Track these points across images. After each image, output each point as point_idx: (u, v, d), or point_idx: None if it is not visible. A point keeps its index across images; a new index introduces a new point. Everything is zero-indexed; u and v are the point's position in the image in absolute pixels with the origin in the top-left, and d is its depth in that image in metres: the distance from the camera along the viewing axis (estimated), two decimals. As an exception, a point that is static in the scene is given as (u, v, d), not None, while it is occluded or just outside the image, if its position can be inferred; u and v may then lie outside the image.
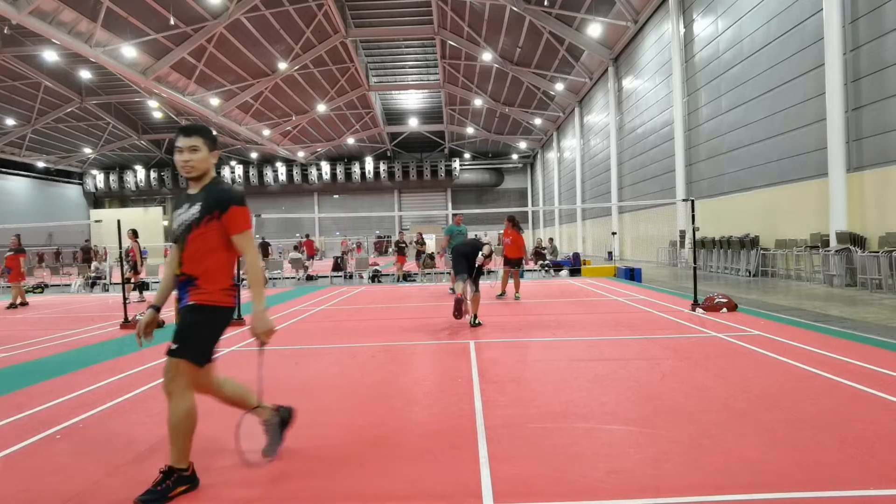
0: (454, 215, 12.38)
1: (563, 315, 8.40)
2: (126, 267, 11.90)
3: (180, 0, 23.10)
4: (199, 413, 2.70)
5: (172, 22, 23.74)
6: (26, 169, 44.45)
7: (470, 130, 47.31)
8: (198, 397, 2.73)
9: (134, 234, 12.80)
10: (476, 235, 12.23)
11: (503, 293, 11.38)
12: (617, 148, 27.69)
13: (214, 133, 3.01)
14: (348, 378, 4.91)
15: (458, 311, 7.42)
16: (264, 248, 25.89)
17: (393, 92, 41.49)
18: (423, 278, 17.04)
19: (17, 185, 44.26)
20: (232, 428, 3.00)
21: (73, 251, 39.80)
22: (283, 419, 3.13)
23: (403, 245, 19.03)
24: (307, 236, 28.43)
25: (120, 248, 9.61)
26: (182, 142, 2.76)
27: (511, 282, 11.34)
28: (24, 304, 12.90)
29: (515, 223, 11.21)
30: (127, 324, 8.45)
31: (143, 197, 53.99)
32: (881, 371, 4.46)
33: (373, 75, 37.90)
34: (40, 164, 45.51)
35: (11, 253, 12.94)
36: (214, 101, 33.13)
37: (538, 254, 21.39)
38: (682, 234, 19.20)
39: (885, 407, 3.60)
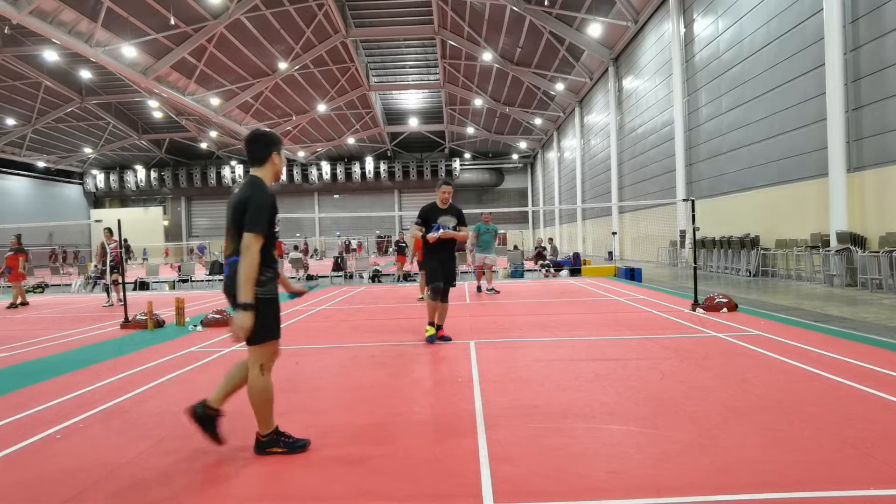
0: (481, 214, 12.39)
1: (564, 315, 8.40)
2: (108, 267, 11.80)
3: (180, 0, 23.10)
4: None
5: (172, 22, 23.74)
6: (26, 169, 44.44)
7: (470, 130, 47.31)
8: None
9: (110, 232, 11.69)
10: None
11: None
12: (617, 148, 27.69)
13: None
14: (348, 378, 4.91)
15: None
16: None
17: (393, 92, 41.49)
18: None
19: (18, 185, 44.26)
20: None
21: (74, 251, 39.82)
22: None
23: (403, 245, 19.04)
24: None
25: (121, 246, 9.62)
26: None
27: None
28: (24, 303, 12.91)
29: None
30: (127, 324, 8.44)
31: (143, 197, 54.00)
32: (881, 371, 4.45)
33: (373, 75, 37.90)
34: (40, 164, 45.50)
35: (12, 253, 12.94)
36: (214, 101, 33.14)
37: (539, 254, 21.40)
38: (683, 234, 19.20)
39: (885, 407, 3.60)
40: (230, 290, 2.97)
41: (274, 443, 3.10)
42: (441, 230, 6.26)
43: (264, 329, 2.99)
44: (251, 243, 2.86)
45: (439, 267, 6.33)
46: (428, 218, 6.39)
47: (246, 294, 2.85)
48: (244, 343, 2.99)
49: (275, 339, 3.08)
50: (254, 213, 2.89)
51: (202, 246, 40.89)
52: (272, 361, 3.10)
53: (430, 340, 6.35)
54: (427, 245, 6.37)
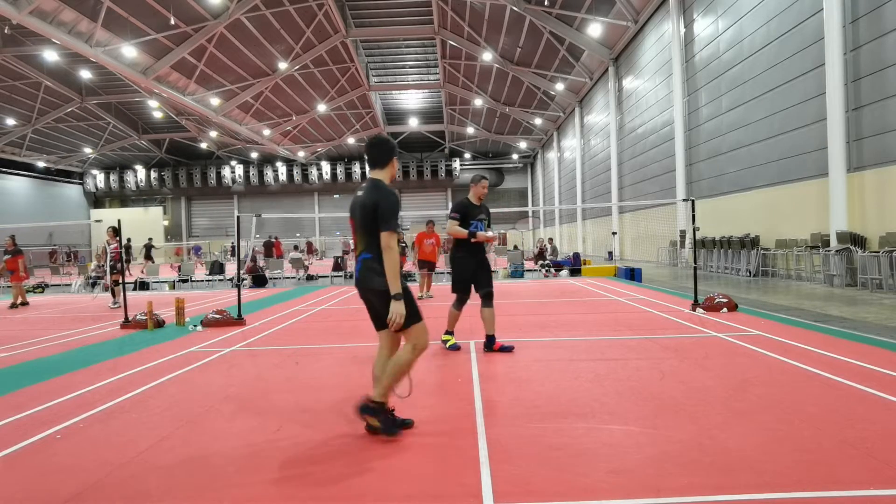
0: None
1: (563, 315, 8.40)
2: (108, 267, 11.74)
3: (180, 0, 23.09)
4: None
5: (173, 22, 23.73)
6: (26, 169, 44.42)
7: (470, 130, 47.29)
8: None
9: (114, 231, 11.18)
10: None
11: (428, 294, 11.99)
12: (617, 148, 27.68)
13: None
14: (348, 377, 4.90)
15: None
16: (268, 248, 25.88)
17: (393, 92, 41.48)
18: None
19: (18, 185, 44.23)
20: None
21: (73, 251, 39.77)
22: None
23: (404, 245, 19.03)
24: (276, 238, 28.40)
25: (120, 247, 9.61)
26: None
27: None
28: (24, 303, 12.90)
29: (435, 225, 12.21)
30: (127, 324, 8.44)
31: (143, 197, 53.98)
32: (881, 371, 4.45)
33: (373, 75, 37.89)
34: (40, 164, 45.48)
35: (10, 256, 12.86)
36: (214, 101, 33.13)
37: (539, 253, 21.42)
38: (683, 234, 19.20)
39: (885, 407, 3.60)
40: (361, 283, 3.33)
41: (377, 413, 3.30)
42: (484, 231, 5.74)
43: (411, 313, 3.28)
44: (389, 241, 3.19)
45: (476, 271, 5.79)
46: (467, 214, 5.76)
47: (395, 285, 3.17)
48: (401, 329, 3.29)
49: (422, 321, 3.35)
50: (386, 215, 3.20)
51: (198, 247, 40.76)
52: (425, 340, 3.35)
53: (454, 348, 5.94)
54: (463, 244, 5.79)
